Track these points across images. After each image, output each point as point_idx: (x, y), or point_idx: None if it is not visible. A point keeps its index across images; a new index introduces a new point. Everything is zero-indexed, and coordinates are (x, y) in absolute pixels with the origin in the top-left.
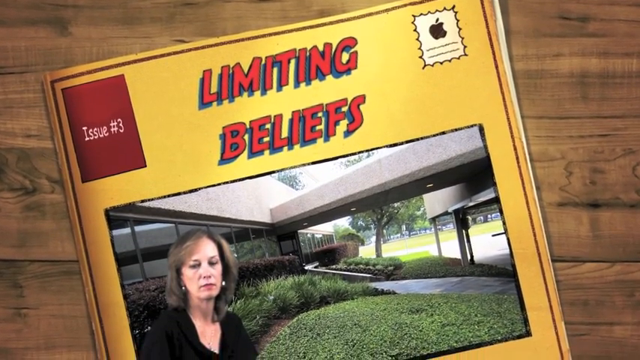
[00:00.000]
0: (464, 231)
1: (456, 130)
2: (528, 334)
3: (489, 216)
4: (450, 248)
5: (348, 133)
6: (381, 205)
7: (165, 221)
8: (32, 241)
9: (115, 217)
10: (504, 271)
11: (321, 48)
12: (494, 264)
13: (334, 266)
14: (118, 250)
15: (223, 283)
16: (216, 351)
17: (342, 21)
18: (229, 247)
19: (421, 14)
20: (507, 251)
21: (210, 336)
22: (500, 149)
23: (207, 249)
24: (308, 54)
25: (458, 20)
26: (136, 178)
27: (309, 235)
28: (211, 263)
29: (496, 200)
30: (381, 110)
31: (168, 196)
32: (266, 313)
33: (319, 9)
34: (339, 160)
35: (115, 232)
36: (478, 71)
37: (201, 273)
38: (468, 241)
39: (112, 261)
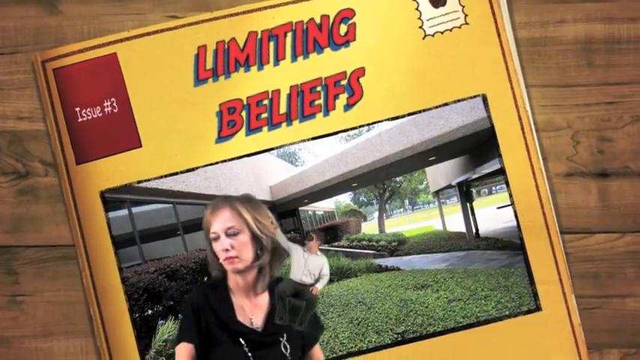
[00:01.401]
0: (468, 204)
1: (459, 101)
2: (538, 308)
3: (494, 188)
4: (455, 222)
5: (347, 107)
6: (383, 180)
7: (163, 202)
8: (27, 226)
9: (111, 199)
10: (511, 244)
11: (318, 20)
12: (501, 237)
13: (337, 243)
14: (114, 233)
15: (259, 253)
16: (259, 328)
17: None
18: (259, 214)
19: None
20: (514, 224)
21: (252, 311)
22: (505, 119)
23: (223, 220)
24: (305, 27)
25: None
26: (131, 159)
27: (310, 212)
28: (230, 234)
29: (501, 172)
30: (381, 83)
31: (165, 176)
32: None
33: None
34: (340, 134)
35: (112, 214)
36: (480, 40)
37: (220, 246)
38: (473, 214)
39: (109, 244)
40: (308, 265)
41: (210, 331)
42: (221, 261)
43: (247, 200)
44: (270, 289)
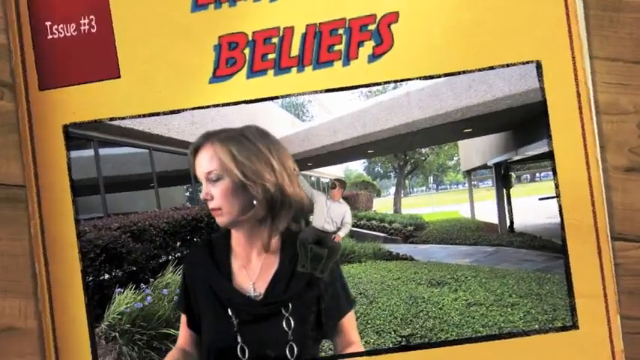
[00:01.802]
0: (505, 190)
1: (507, 65)
2: (574, 326)
3: (538, 175)
4: (486, 210)
5: (373, 57)
6: (406, 150)
7: (138, 145)
8: None
9: (76, 136)
10: (550, 245)
11: None
12: (539, 234)
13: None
14: (75, 177)
15: (254, 203)
16: (260, 296)
17: None
18: (252, 155)
19: None
20: (557, 221)
21: (255, 274)
22: (561, 94)
23: (201, 161)
24: None
25: None
26: (106, 91)
27: (313, 178)
28: (211, 180)
29: (549, 156)
30: (416, 33)
31: (145, 115)
32: None
33: None
34: (360, 89)
35: (74, 154)
36: None
37: (202, 194)
38: (509, 203)
39: (67, 188)
40: (330, 212)
41: (199, 301)
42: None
43: (237, 137)
44: (283, 247)
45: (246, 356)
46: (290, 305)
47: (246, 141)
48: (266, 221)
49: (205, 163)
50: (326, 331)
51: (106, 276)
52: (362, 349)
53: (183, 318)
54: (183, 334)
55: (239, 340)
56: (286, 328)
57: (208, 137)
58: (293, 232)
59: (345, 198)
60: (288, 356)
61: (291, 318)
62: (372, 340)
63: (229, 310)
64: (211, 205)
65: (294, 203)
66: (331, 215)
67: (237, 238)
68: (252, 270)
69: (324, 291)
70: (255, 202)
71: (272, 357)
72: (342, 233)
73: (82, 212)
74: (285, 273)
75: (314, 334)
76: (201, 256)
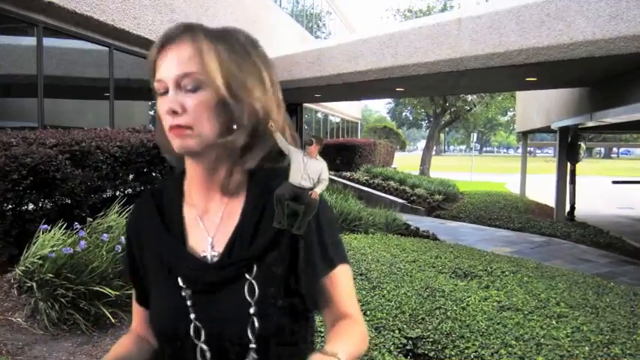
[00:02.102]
0: (569, 164)
1: None
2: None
3: (616, 150)
4: (541, 186)
5: None
6: (447, 94)
7: (95, 40)
8: None
9: (15, 17)
10: (620, 245)
11: None
12: (606, 229)
13: (349, 174)
14: (6, 70)
15: (234, 128)
16: (217, 256)
17: None
18: (244, 62)
19: None
20: (634, 213)
21: (215, 224)
22: None
23: (174, 61)
24: None
25: None
26: None
27: (320, 114)
28: (185, 88)
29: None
30: None
31: None
32: None
33: None
34: (397, 6)
35: (9, 40)
36: None
37: (165, 104)
38: (573, 181)
39: None
40: (307, 169)
41: (147, 268)
42: (167, 132)
43: (226, 38)
44: (249, 191)
45: (202, 338)
46: (256, 267)
47: (238, 45)
48: (235, 154)
49: (179, 63)
50: (300, 300)
51: (31, 206)
52: (358, 317)
53: (135, 292)
54: (136, 314)
55: (192, 317)
56: (247, 296)
57: (188, 29)
58: (261, 174)
59: (358, 146)
60: (249, 336)
61: (255, 282)
62: (369, 337)
63: (180, 280)
64: (178, 120)
65: (273, 138)
66: (308, 172)
67: (194, 178)
68: (211, 221)
69: (298, 246)
70: (234, 126)
71: (230, 338)
72: (318, 190)
73: (10, 118)
74: (250, 222)
75: (284, 305)
76: (147, 209)
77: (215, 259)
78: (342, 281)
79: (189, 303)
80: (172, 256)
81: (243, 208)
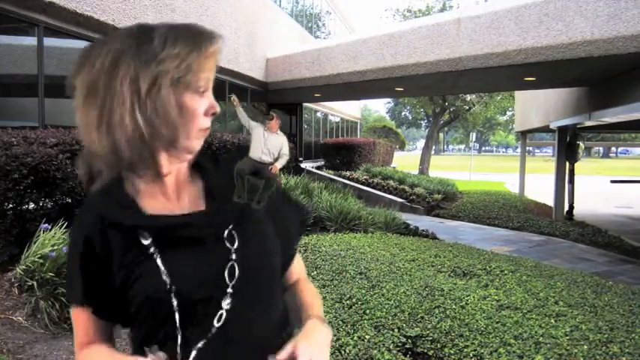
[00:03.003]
0: (568, 163)
1: None
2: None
3: (614, 149)
4: (540, 186)
5: None
6: (446, 93)
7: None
8: None
9: (16, 17)
10: (619, 244)
11: None
12: (604, 228)
13: (348, 173)
14: (7, 70)
15: None
16: (194, 211)
17: None
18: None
19: None
20: (633, 212)
21: (185, 200)
22: None
23: (214, 65)
24: None
25: None
26: None
27: (319, 114)
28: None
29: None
30: None
31: None
32: None
33: None
34: (396, 6)
35: (10, 40)
36: None
37: (211, 107)
38: (571, 180)
39: None
40: (267, 144)
41: (118, 270)
42: (195, 132)
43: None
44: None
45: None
46: (231, 227)
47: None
48: None
49: (214, 66)
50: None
51: (32, 205)
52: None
53: (83, 313)
54: (92, 328)
55: (167, 282)
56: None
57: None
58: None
59: (356, 145)
60: (227, 281)
61: (235, 234)
62: (367, 336)
63: (145, 243)
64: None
65: None
66: (268, 147)
67: (166, 180)
68: (179, 203)
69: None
70: None
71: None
72: (278, 164)
73: (11, 118)
74: (220, 195)
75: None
76: (105, 211)
77: (191, 216)
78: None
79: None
80: (143, 218)
81: (207, 189)
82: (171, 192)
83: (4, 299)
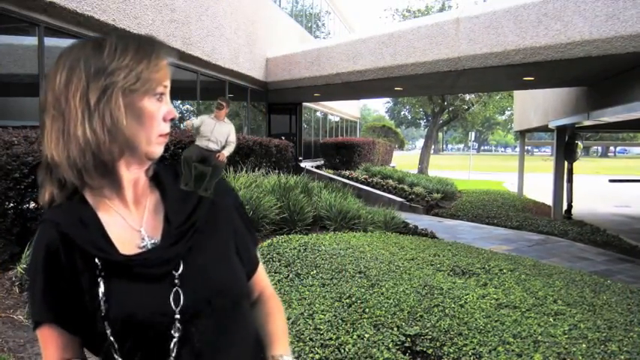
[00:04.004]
0: (567, 163)
1: None
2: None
3: (612, 149)
4: (539, 185)
5: None
6: (445, 93)
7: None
8: None
9: (17, 17)
10: (617, 243)
11: None
12: (603, 227)
13: (348, 172)
14: (8, 70)
15: None
16: (156, 240)
17: None
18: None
19: None
20: (631, 211)
21: (143, 215)
22: None
23: (169, 72)
24: None
25: None
26: None
27: (319, 113)
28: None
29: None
30: None
31: None
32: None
33: None
34: (395, 6)
35: (11, 40)
36: None
37: (169, 112)
38: (570, 180)
39: None
40: (214, 131)
41: (84, 288)
42: (155, 137)
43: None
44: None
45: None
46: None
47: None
48: None
49: (167, 76)
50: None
51: (32, 204)
52: (272, 289)
53: (53, 332)
54: (62, 345)
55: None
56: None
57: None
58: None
59: (356, 145)
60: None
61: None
62: (366, 335)
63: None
64: (169, 128)
65: None
66: (215, 135)
67: (127, 186)
68: (138, 219)
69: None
70: None
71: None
72: (225, 152)
73: (12, 117)
74: (178, 204)
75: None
76: (66, 227)
77: (156, 244)
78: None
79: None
80: (131, 259)
81: (165, 196)
82: (130, 202)
83: (5, 298)
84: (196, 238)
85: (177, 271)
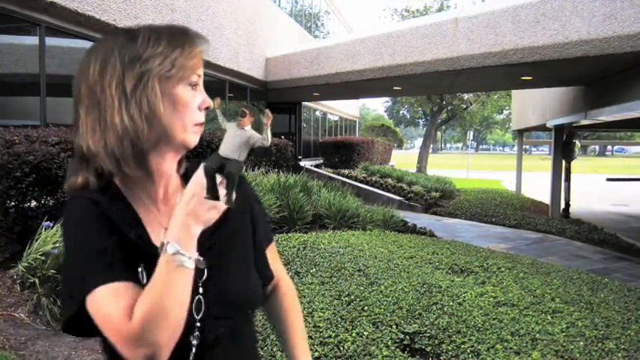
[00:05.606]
0: (564, 162)
1: None
2: None
3: (610, 148)
4: (536, 184)
5: None
6: (444, 92)
7: (97, 40)
8: None
9: (18, 17)
10: (614, 241)
11: None
12: (600, 225)
13: (347, 171)
14: (10, 69)
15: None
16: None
17: None
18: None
19: None
20: (628, 210)
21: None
22: None
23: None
24: None
25: None
26: None
27: (318, 112)
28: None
29: (638, 124)
30: None
31: None
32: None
33: None
34: (394, 6)
35: (12, 40)
36: None
37: (204, 101)
38: (568, 179)
39: None
40: (235, 139)
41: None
42: (190, 126)
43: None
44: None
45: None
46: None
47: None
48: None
49: (201, 64)
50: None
51: (33, 203)
52: (289, 279)
53: (121, 286)
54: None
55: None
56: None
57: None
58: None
59: (354, 144)
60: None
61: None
62: (365, 332)
63: (142, 273)
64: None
65: None
66: (235, 142)
67: (161, 178)
68: (167, 211)
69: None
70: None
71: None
72: (241, 158)
73: (13, 116)
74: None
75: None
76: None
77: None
78: (276, 251)
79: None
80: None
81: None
82: (160, 198)
83: (6, 296)
84: (222, 244)
85: (201, 278)
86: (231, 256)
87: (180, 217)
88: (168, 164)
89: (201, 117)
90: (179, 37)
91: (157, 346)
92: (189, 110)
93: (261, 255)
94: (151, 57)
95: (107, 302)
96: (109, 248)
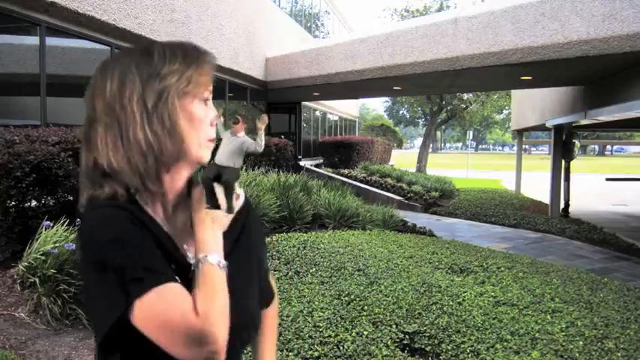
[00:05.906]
0: (564, 161)
1: None
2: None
3: (609, 147)
4: (536, 184)
5: None
6: (443, 92)
7: (97, 40)
8: None
9: (18, 17)
10: (614, 241)
11: None
12: (600, 225)
13: (347, 171)
14: (10, 69)
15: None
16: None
17: None
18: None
19: None
20: (627, 209)
21: (182, 231)
22: None
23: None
24: None
25: None
26: None
27: (318, 112)
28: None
29: (638, 124)
30: None
31: None
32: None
33: None
34: (394, 6)
35: (12, 40)
36: None
37: (215, 117)
38: (567, 178)
39: None
40: (229, 147)
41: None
42: (203, 142)
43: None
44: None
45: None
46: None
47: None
48: None
49: (211, 81)
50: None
51: (34, 203)
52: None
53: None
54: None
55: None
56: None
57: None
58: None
59: (354, 143)
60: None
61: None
62: (365, 332)
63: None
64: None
65: None
66: (229, 150)
67: (175, 193)
68: (180, 227)
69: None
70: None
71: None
72: (257, 147)
73: (13, 116)
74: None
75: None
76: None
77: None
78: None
79: None
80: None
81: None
82: (169, 212)
83: (7, 296)
84: (236, 259)
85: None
86: (244, 264)
87: (209, 227)
88: (182, 180)
89: (213, 132)
90: (192, 54)
91: (218, 346)
92: (204, 125)
93: (262, 273)
94: (168, 74)
95: (176, 299)
96: (156, 249)
